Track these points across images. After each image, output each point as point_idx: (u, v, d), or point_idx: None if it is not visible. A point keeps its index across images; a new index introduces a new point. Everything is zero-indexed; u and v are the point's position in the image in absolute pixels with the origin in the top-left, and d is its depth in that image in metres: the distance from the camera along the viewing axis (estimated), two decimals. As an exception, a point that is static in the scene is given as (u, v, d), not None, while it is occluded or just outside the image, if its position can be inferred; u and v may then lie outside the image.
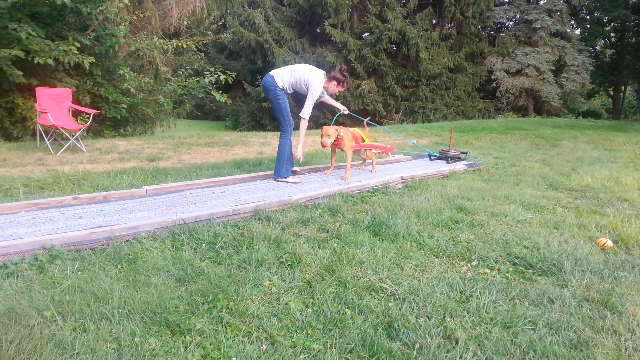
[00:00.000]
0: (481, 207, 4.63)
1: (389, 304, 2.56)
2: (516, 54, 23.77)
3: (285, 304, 2.51)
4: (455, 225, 4.04)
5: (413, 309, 2.52)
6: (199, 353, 2.01)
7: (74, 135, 7.72)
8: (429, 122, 18.80)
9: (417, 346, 2.13)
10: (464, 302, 2.65)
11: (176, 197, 4.63)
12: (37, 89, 8.14)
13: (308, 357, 2.05)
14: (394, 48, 22.07)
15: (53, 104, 8.06)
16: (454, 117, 21.71)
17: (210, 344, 2.07)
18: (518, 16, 25.24)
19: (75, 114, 8.80)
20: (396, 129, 13.60)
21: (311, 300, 2.59)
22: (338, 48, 20.64)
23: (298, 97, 5.90)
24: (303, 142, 5.59)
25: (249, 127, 20.28)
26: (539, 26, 23.41)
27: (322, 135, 5.61)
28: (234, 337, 2.16)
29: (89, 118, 8.81)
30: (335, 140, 5.63)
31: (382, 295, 2.69)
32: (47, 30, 9.20)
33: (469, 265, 3.21)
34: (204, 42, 12.49)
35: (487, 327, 2.36)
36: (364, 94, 20.13)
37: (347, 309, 2.46)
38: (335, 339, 2.18)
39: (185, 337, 2.11)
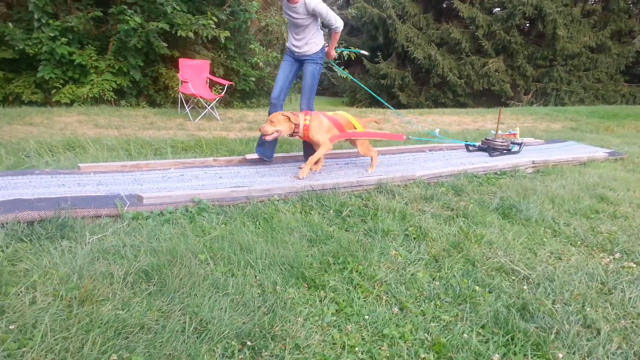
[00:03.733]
0: (626, 198, 4.21)
1: (522, 287, 2.47)
2: (674, 32, 20.69)
3: (412, 274, 2.55)
4: (595, 215, 3.73)
5: (548, 295, 2.40)
6: (334, 307, 2.13)
7: (210, 104, 8.36)
8: (563, 106, 17.26)
9: (554, 331, 2.05)
10: (605, 293, 2.47)
11: (302, 165, 4.83)
12: (180, 60, 8.91)
13: (438, 325, 2.07)
14: (528, 24, 20.43)
15: (193, 75, 8.78)
16: (591, 101, 19.64)
17: (343, 301, 2.18)
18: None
19: (211, 85, 9.50)
20: (524, 111, 12.71)
21: (438, 273, 2.59)
22: (465, 24, 19.63)
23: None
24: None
25: (366, 104, 20.28)
26: None
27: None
28: (365, 297, 2.25)
29: (222, 89, 9.47)
30: (295, 131, 4.27)
31: (514, 277, 2.60)
32: (188, 5, 9.97)
33: (611, 257, 2.97)
34: (329, 17, 12.66)
35: (633, 322, 2.19)
36: (490, 73, 19.00)
37: (476, 287, 2.43)
38: (466, 313, 2.17)
39: (319, 291, 2.25)
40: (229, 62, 10.89)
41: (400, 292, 2.34)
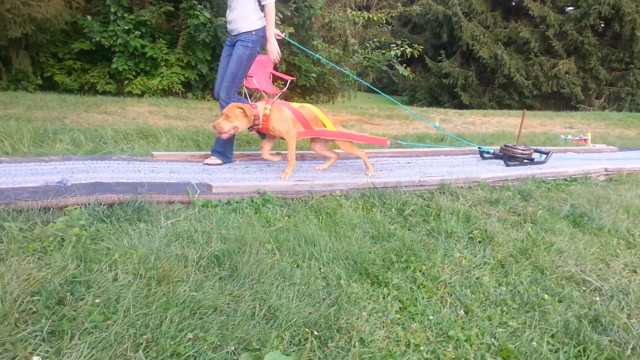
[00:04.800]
0: None
1: (594, 298, 2.37)
2: None
3: (477, 278, 2.50)
4: (675, 229, 3.50)
5: (623, 308, 2.29)
6: (397, 305, 2.13)
7: (272, 99, 8.53)
8: (638, 112, 16.21)
9: (630, 346, 1.95)
10: (687, 312, 2.32)
11: (363, 163, 4.84)
12: (246, 55, 9.14)
13: (505, 331, 2.03)
14: (603, 25, 19.31)
15: (257, 69, 8.96)
16: (671, 108, 18.34)
17: (406, 299, 2.18)
18: None
19: (273, 80, 9.68)
20: (596, 116, 12.05)
21: (505, 279, 2.54)
22: (535, 23, 18.81)
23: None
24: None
25: (426, 103, 19.93)
26: None
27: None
28: (429, 298, 2.24)
29: (284, 84, 9.63)
30: (254, 123, 3.82)
31: (585, 288, 2.50)
32: (256, 1, 10.19)
33: (694, 275, 2.78)
34: (392, 14, 12.54)
35: None
36: (560, 75, 18.12)
37: (545, 295, 2.36)
38: (535, 321, 2.11)
39: (383, 288, 2.26)
40: (291, 57, 11.04)
41: (465, 295, 2.30)
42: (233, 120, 3.74)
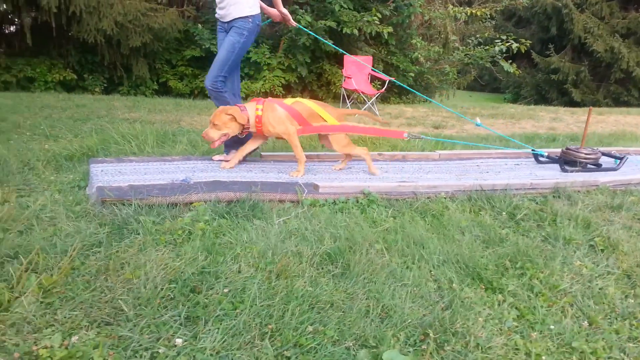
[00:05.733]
0: None
1: None
2: None
3: (601, 289, 2.34)
4: None
5: None
6: (514, 312, 2.06)
7: (370, 100, 8.56)
8: None
9: None
10: None
11: (468, 164, 4.71)
12: (345, 56, 9.24)
13: (636, 347, 1.88)
14: None
15: (356, 70, 9.07)
16: None
17: (524, 307, 2.10)
18: None
19: (370, 80, 9.71)
20: None
21: (632, 291, 2.35)
22: (660, 12, 17.02)
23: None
24: None
25: (532, 100, 18.77)
26: None
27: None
28: (548, 307, 2.14)
29: (382, 84, 9.62)
30: (245, 127, 3.64)
31: None
32: (354, 2, 10.30)
33: None
34: (497, 8, 12.00)
35: None
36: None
37: (683, 311, 2.14)
38: (673, 340, 1.93)
39: (497, 294, 2.20)
40: (389, 57, 11.00)
41: (587, 306, 2.17)
42: (222, 127, 3.53)
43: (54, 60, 9.70)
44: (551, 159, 4.75)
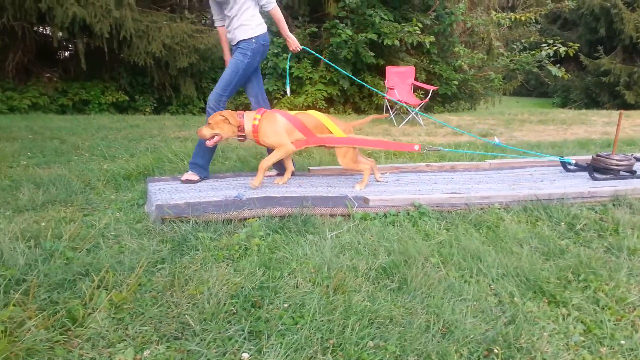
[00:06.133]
0: None
1: None
2: None
3: (672, 303, 2.22)
4: None
5: None
6: (580, 327, 1.99)
7: (414, 110, 8.52)
8: None
9: None
10: None
11: (520, 172, 4.60)
12: (387, 67, 9.27)
13: None
14: None
15: (399, 81, 9.06)
16: None
17: (590, 321, 2.03)
18: None
19: (414, 90, 9.66)
20: None
21: None
22: None
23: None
24: None
25: (581, 104, 18.10)
26: None
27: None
28: (616, 321, 2.06)
29: (425, 94, 9.54)
30: (239, 134, 3.68)
31: None
32: (395, 13, 10.31)
33: None
34: (542, 12, 11.69)
35: None
36: None
37: None
38: None
39: (561, 308, 2.13)
40: (431, 66, 10.92)
41: (659, 321, 2.06)
42: (214, 127, 3.63)
43: (106, 83, 10.22)
44: (579, 167, 4.56)
